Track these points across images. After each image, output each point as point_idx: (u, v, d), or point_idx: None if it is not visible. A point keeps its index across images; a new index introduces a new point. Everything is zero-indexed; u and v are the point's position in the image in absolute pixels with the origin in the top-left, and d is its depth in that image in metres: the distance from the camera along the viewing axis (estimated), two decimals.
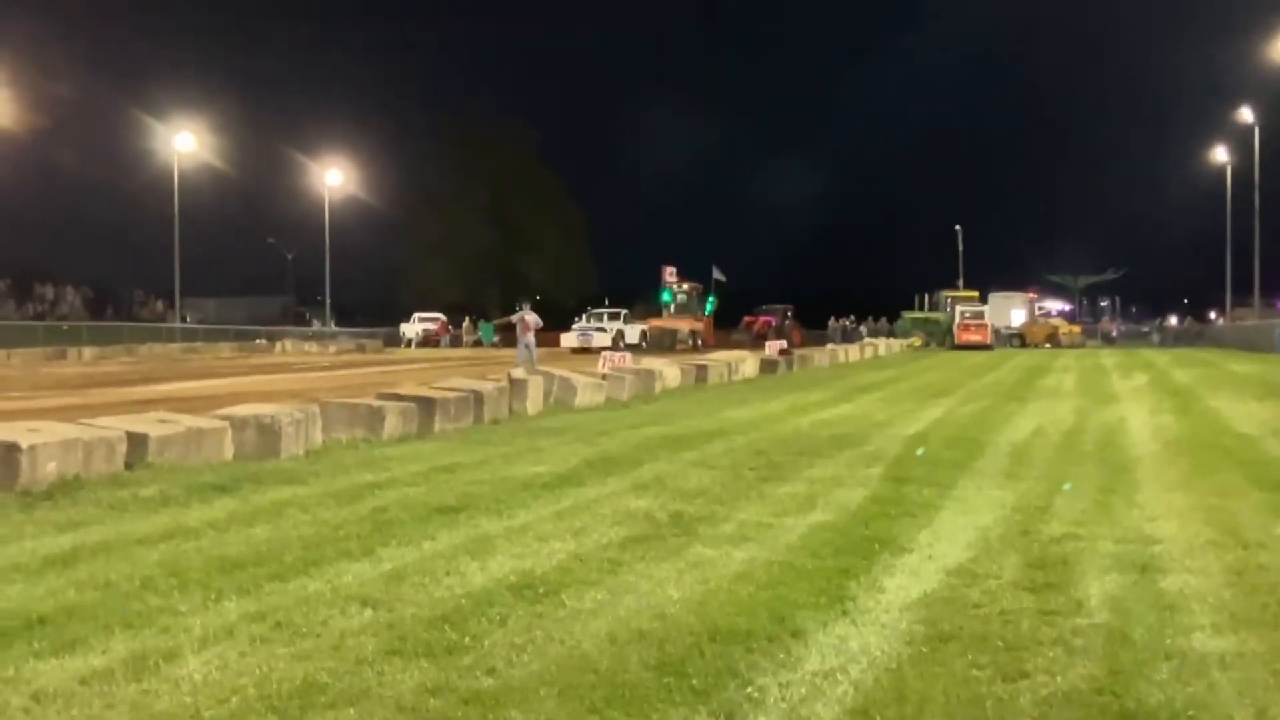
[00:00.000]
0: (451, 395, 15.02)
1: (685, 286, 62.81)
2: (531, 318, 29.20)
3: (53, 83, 60.42)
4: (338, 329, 70.71)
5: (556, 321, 53.08)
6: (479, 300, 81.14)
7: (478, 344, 65.89)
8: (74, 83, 67.60)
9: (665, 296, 62.28)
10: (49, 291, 70.10)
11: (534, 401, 17.19)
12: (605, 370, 21.33)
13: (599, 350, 39.65)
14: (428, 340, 67.33)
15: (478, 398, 15.46)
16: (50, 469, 9.17)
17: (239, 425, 11.24)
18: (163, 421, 10.77)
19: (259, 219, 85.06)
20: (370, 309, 77.80)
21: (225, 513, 8.31)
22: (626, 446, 12.83)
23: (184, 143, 61.72)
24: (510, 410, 16.37)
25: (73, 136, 65.75)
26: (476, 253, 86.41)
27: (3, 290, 66.80)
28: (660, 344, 53.98)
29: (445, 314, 72.61)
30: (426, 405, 14.27)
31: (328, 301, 76.12)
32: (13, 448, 9.02)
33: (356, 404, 13.68)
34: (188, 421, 10.96)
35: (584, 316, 58.29)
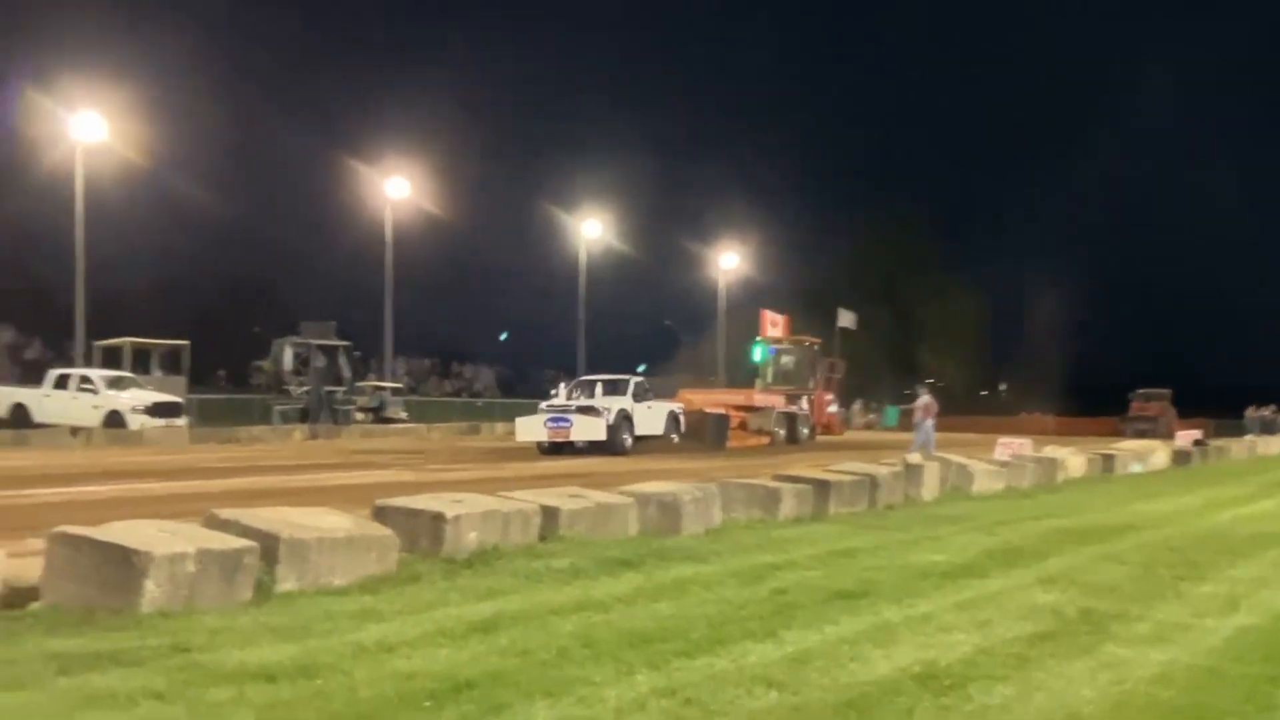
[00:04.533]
0: (846, 479, 15.01)
1: (787, 342, 42.85)
2: (932, 402, 29.00)
3: (470, 170, 64.39)
4: None
5: (950, 407, 43.32)
6: (869, 383, 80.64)
7: (868, 426, 65.51)
8: (489, 170, 71.83)
9: (758, 354, 42.52)
10: (467, 370, 74.57)
11: (930, 487, 16.94)
12: (1004, 457, 20.81)
13: (585, 444, 28.93)
14: None
15: (873, 482, 15.38)
16: (471, 538, 9.70)
17: (643, 502, 11.60)
18: (573, 496, 11.23)
19: (656, 301, 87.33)
20: None
21: (631, 587, 8.57)
22: (1029, 537, 12.44)
23: (591, 229, 64.55)
24: (905, 496, 16.19)
25: (487, 222, 69.74)
26: (869, 336, 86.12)
27: (428, 368, 71.61)
28: (703, 435, 32.60)
29: (835, 394, 72.55)
30: (822, 488, 14.30)
31: (720, 382, 77.50)
32: (439, 517, 9.61)
33: (754, 484, 13.85)
34: (596, 497, 11.39)
35: (562, 388, 33.73)
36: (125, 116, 43.79)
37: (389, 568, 8.79)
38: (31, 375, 42.06)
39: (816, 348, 42.64)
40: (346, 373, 44.88)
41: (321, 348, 43.82)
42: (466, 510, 9.86)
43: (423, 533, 9.55)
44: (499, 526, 10.02)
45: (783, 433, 36.32)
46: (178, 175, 53.91)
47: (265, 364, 44.10)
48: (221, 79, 61.44)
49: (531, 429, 29.60)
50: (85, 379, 36.19)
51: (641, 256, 69.31)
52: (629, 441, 29.29)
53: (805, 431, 37.97)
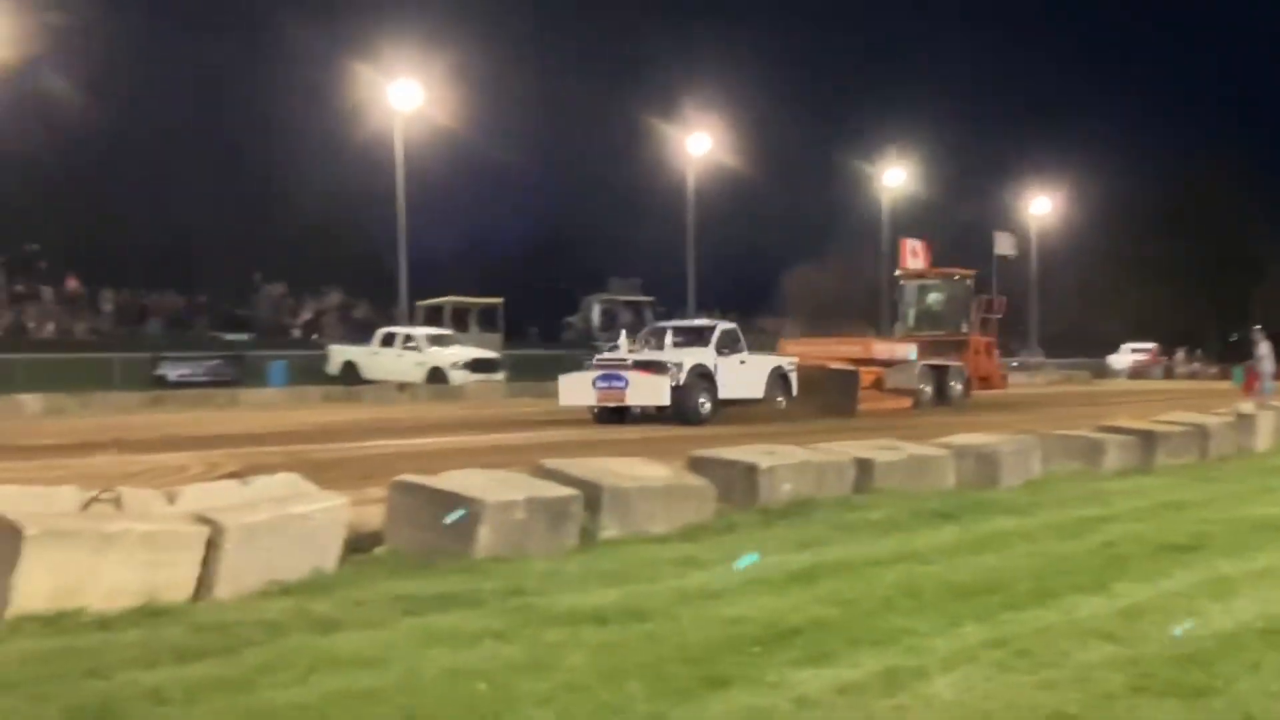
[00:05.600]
0: (1174, 429, 14.44)
1: (935, 276, 34.42)
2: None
3: (771, 123, 64.16)
4: (1044, 359, 69.71)
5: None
6: (1195, 329, 77.00)
7: (1192, 376, 62.66)
8: (791, 122, 71.35)
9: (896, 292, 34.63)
10: (769, 324, 74.92)
11: (1264, 438, 16.13)
12: None
13: (648, 410, 22.61)
14: (1138, 371, 64.90)
15: (1202, 432, 14.75)
16: (786, 489, 9.75)
17: (959, 454, 11.43)
18: (887, 448, 11.16)
19: (958, 248, 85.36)
20: (1077, 338, 75.95)
21: (951, 539, 8.47)
22: None
23: (893, 178, 63.63)
24: (1238, 447, 15.44)
25: (789, 175, 69.23)
26: (1190, 280, 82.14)
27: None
28: (825, 396, 25.02)
29: (1158, 342, 69.66)
30: (1147, 439, 13.79)
31: (1033, 332, 75.41)
32: (753, 469, 9.71)
33: (1074, 436, 13.50)
34: (910, 449, 11.29)
35: (624, 336, 25.55)
36: (438, 82, 45.52)
37: (706, 517, 8.95)
38: (359, 334, 44.38)
39: (970, 282, 34.03)
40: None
41: (628, 303, 44.79)
42: (780, 462, 9.95)
43: (737, 483, 9.66)
44: (813, 478, 10.06)
45: (929, 390, 28.97)
46: (487, 137, 55.64)
47: (575, 320, 45.40)
48: (525, 40, 63.05)
49: (577, 391, 23.07)
50: (409, 337, 37.99)
51: (950, 203, 67.51)
52: (707, 407, 22.56)
53: (958, 387, 30.16)
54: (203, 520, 6.37)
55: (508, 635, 5.57)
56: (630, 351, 23.54)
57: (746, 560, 7.38)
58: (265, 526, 6.60)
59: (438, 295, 44.22)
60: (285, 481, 7.39)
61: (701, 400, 22.49)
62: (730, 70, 61.39)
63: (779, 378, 24.67)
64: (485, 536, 7.39)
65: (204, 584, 6.27)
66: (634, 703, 4.58)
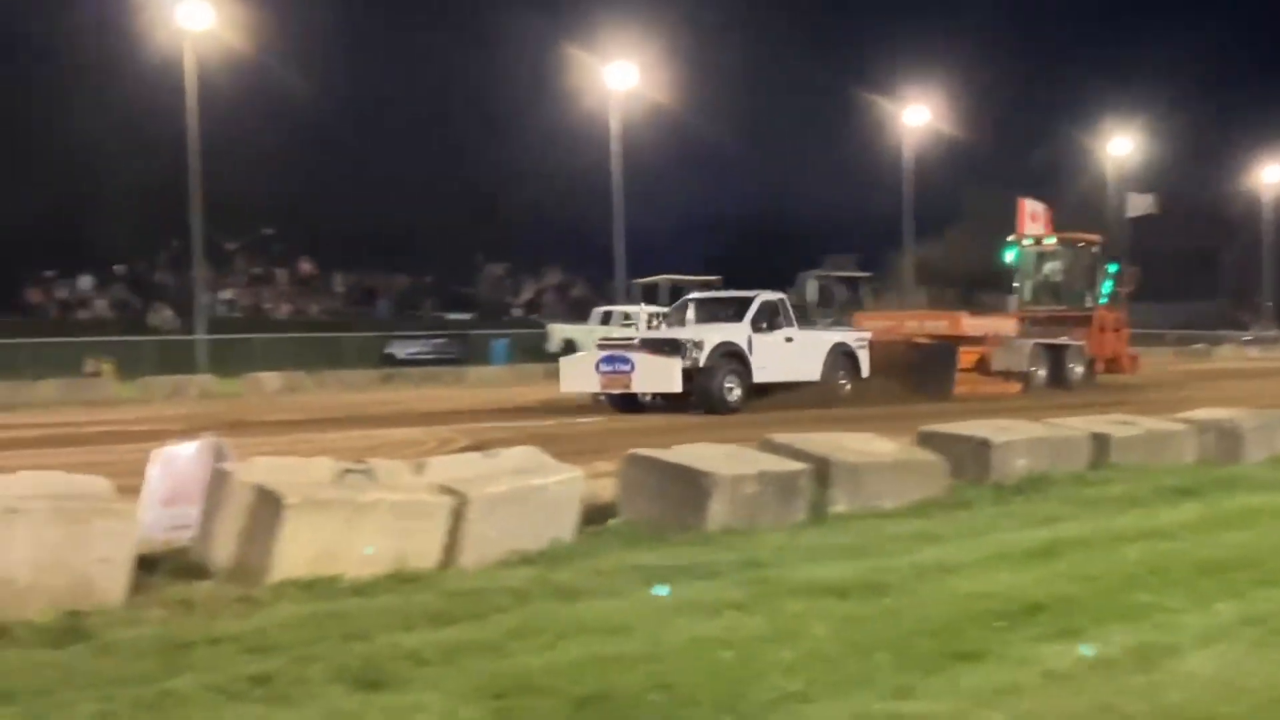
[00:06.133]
0: None
1: (1055, 242, 29.96)
2: None
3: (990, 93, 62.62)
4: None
5: None
6: None
7: None
8: (1010, 93, 69.42)
9: (1010, 254, 29.68)
10: (988, 298, 73.42)
11: None
12: None
13: (652, 397, 20.10)
14: None
15: None
16: (1019, 465, 9.59)
17: (1199, 429, 11.09)
18: (1123, 423, 10.90)
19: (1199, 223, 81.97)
20: None
21: (1195, 515, 8.22)
22: None
23: (1119, 148, 61.66)
24: None
25: (1010, 147, 67.31)
26: None
27: (951, 298, 71.15)
28: (914, 376, 22.54)
29: None
30: None
31: (1267, 305, 72.25)
32: (985, 444, 9.56)
33: None
34: (1148, 424, 11.01)
35: (641, 310, 23.82)
36: (653, 63, 45.93)
37: (936, 492, 8.85)
38: (578, 312, 45.12)
39: (1096, 249, 29.52)
40: (869, 305, 45.26)
41: (843, 279, 44.34)
42: (1013, 437, 9.79)
43: (968, 459, 9.52)
44: (1047, 453, 9.88)
45: (1042, 373, 25.03)
46: (701, 116, 55.85)
47: (791, 297, 45.14)
48: (737, 18, 63.01)
49: (579, 375, 20.44)
50: (627, 315, 38.42)
51: (1179, 170, 64.95)
52: (736, 393, 19.42)
53: (1078, 369, 26.11)
54: (448, 491, 6.59)
55: (748, 606, 5.61)
56: (650, 328, 20.95)
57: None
58: (506, 498, 6.79)
59: (653, 273, 44.65)
60: (524, 454, 7.57)
61: (728, 385, 19.46)
62: (946, 39, 60.27)
63: (841, 356, 21.57)
64: (717, 510, 7.46)
65: (449, 552, 6.49)
66: (881, 674, 4.59)
